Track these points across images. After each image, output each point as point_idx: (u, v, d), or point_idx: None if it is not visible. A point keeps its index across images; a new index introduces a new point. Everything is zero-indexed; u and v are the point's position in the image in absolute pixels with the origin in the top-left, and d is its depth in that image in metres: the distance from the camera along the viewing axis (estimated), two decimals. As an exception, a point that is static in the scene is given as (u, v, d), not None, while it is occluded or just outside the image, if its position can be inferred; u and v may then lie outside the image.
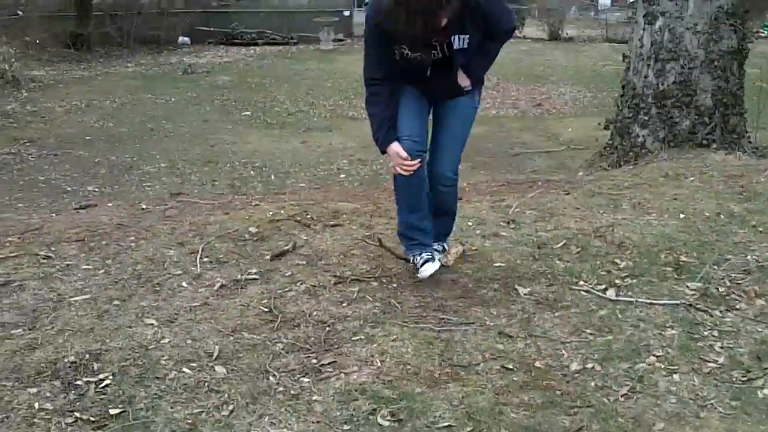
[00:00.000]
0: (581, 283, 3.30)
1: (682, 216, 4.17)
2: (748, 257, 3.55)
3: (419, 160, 3.14)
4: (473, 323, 2.94)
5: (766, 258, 3.55)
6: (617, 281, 3.31)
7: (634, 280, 3.31)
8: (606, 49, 21.43)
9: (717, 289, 3.24)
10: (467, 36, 3.01)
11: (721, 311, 3.04)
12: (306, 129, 11.83)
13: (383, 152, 3.17)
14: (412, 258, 3.36)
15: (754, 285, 3.25)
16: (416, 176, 3.17)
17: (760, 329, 2.89)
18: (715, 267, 3.46)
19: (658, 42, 6.52)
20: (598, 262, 3.52)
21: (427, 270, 3.26)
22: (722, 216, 4.16)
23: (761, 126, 8.36)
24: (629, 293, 3.19)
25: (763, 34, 25.33)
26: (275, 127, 12.05)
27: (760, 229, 3.95)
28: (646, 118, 6.67)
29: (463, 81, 3.18)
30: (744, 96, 6.75)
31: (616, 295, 3.17)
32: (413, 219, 3.34)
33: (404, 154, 3.09)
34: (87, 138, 10.79)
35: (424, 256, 3.30)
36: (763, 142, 7.51)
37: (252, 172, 8.77)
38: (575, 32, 26.30)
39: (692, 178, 5.14)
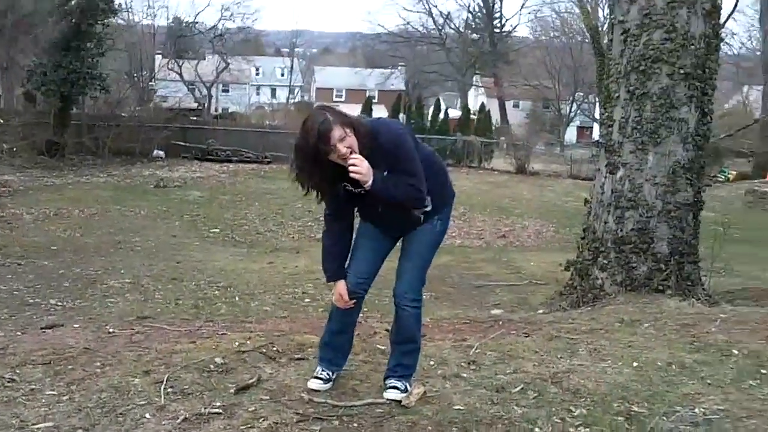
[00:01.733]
0: (536, 430, 3.38)
1: (635, 365, 4.32)
2: (696, 410, 3.67)
3: (354, 300, 3.54)
4: (431, 468, 2.99)
5: (714, 411, 3.68)
6: (571, 430, 3.40)
7: (587, 429, 3.41)
8: (569, 185, 22.22)
9: (666, 442, 3.35)
10: (385, 172, 3.25)
11: (669, 465, 3.13)
12: (273, 249, 11.97)
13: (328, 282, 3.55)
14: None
15: (700, 439, 3.37)
16: (353, 309, 3.61)
17: (706, 486, 2.98)
18: (665, 418, 3.57)
19: (618, 191, 6.86)
20: (553, 408, 3.62)
21: (313, 384, 3.62)
22: (674, 366, 4.31)
23: (715, 270, 8.72)
24: (582, 443, 3.28)
25: (720, 179, 26.49)
26: (243, 246, 12.19)
27: (709, 381, 4.09)
28: (605, 261, 6.92)
29: (416, 210, 3.45)
30: (698, 245, 7.07)
31: (570, 445, 3.26)
32: (335, 340, 3.73)
33: (345, 295, 3.48)
34: (53, 248, 10.80)
35: (323, 374, 3.66)
36: (717, 288, 7.81)
37: (217, 292, 8.82)
38: (541, 167, 27.29)
39: (647, 325, 5.32)
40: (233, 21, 49.50)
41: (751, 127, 28.90)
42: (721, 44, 7.09)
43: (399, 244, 3.66)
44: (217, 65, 48.48)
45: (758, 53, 32.29)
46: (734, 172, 27.60)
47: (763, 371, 4.28)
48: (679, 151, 6.65)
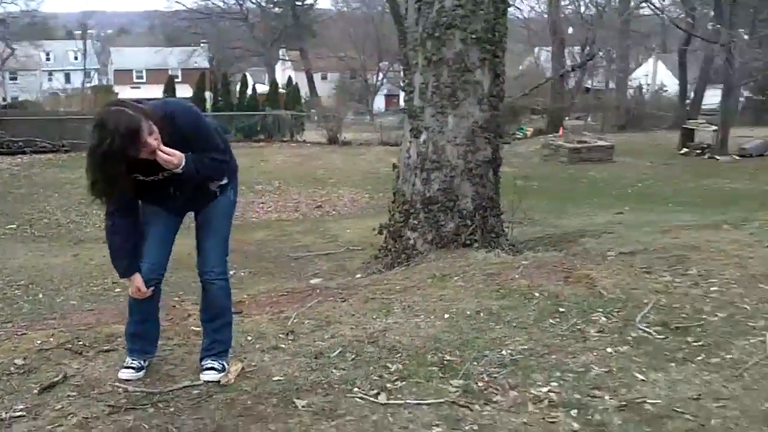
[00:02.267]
0: (355, 390, 3.45)
1: (446, 316, 4.51)
2: (503, 352, 3.91)
3: (152, 288, 3.43)
4: (252, 442, 2.97)
5: (519, 351, 3.93)
6: (388, 385, 3.50)
7: (404, 383, 3.52)
8: (380, 152, 22.70)
9: (477, 384, 3.53)
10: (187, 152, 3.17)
11: (480, 405, 3.30)
12: (78, 241, 11.33)
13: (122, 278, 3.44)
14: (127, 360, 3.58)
15: (508, 378, 3.58)
16: (152, 296, 3.49)
17: (513, 419, 3.18)
18: (475, 363, 3.76)
19: (423, 153, 7.08)
20: (371, 367, 3.70)
21: (124, 374, 3.51)
22: (482, 314, 4.54)
23: (518, 221, 9.26)
24: (399, 396, 3.38)
25: (518, 136, 28.11)
26: (44, 240, 11.44)
27: (514, 324, 4.36)
28: (415, 222, 7.15)
29: (212, 184, 3.40)
30: (500, 199, 7.47)
31: (387, 399, 3.35)
32: (140, 329, 3.60)
33: (143, 286, 3.37)
34: None
35: (134, 363, 3.55)
36: (519, 238, 8.31)
37: (17, 291, 8.21)
38: (352, 136, 27.65)
39: (456, 278, 5.56)
40: (16, 5, 45.91)
41: (543, 86, 30.87)
42: (510, 8, 7.47)
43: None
44: (1, 52, 44.84)
45: (545, 16, 34.38)
46: (531, 129, 29.37)
47: (561, 309, 4.61)
48: (476, 112, 6.95)
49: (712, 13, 25.56)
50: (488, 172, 7.18)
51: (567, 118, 29.49)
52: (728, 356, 3.86)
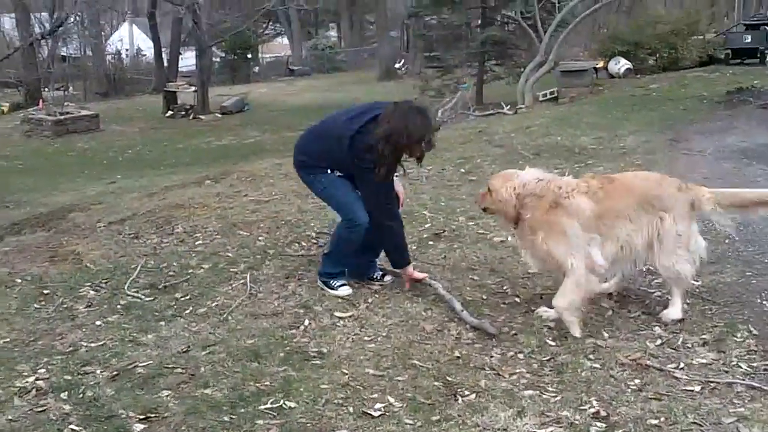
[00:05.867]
0: None
1: None
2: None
3: None
4: None
5: (1, 345, 3.61)
6: None
7: None
8: None
9: (-47, 394, 3.15)
10: None
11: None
12: None
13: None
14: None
15: (-11, 378, 3.27)
16: None
17: (-1, 421, 2.92)
18: (-50, 371, 3.35)
19: None
20: None
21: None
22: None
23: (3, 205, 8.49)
24: None
25: (-7, 113, 25.59)
26: None
27: (-7, 318, 3.98)
28: None
29: None
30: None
31: None
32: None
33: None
34: None
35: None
36: (2, 222, 7.61)
37: None
38: None
39: None
40: None
41: (13, 57, 28.48)
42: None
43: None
44: None
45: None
46: (7, 104, 26.97)
47: (46, 291, 4.37)
48: None
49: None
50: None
51: (46, 89, 27.70)
52: (214, 304, 4.09)
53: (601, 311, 3.86)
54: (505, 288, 4.22)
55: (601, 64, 18.01)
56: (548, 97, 16.03)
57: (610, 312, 3.86)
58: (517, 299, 4.07)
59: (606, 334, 3.59)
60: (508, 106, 15.14)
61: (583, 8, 17.08)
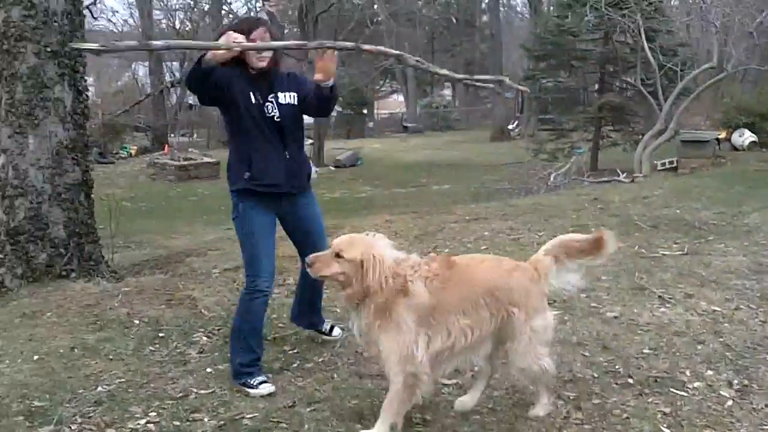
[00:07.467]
0: None
1: (36, 358, 4.13)
2: (99, 388, 3.70)
3: None
4: None
5: (117, 385, 3.74)
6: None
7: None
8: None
9: (70, 428, 3.28)
10: None
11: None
12: None
13: None
14: None
15: (103, 415, 3.39)
16: None
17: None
18: (68, 405, 3.50)
19: (3, 179, 6.42)
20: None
21: None
22: (76, 350, 4.25)
23: (124, 245, 8.93)
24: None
25: (123, 155, 27.15)
26: None
27: (111, 356, 4.15)
28: (1, 255, 6.45)
29: None
30: (96, 223, 7.08)
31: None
32: None
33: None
34: None
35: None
36: (125, 262, 7.97)
37: None
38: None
39: (49, 314, 5.14)
40: None
41: (144, 103, 30.25)
42: (100, 21, 7.10)
43: None
44: None
45: (139, 30, 33.68)
46: (135, 148, 28.53)
47: (161, 334, 4.52)
48: (59, 131, 6.49)
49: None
50: (79, 196, 6.75)
51: (172, 135, 29.23)
52: (320, 360, 4.11)
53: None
54: (617, 367, 4.05)
55: (723, 135, 17.42)
56: (667, 166, 15.60)
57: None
58: (630, 380, 3.90)
59: None
60: (624, 174, 14.82)
61: (706, 76, 16.63)
